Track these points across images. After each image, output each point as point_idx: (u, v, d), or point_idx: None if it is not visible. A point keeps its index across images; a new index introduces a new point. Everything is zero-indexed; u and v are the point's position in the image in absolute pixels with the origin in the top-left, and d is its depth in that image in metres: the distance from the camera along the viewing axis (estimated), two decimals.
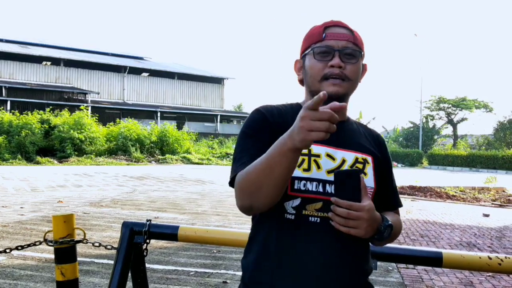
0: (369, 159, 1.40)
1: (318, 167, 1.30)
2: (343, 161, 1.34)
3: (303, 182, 1.28)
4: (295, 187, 1.28)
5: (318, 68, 1.36)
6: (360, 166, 1.36)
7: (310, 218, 1.28)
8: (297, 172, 1.27)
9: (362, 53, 1.40)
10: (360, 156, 1.38)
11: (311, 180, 1.29)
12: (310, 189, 1.28)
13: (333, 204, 1.22)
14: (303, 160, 1.29)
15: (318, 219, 1.27)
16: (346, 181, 1.21)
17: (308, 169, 1.29)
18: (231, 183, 1.28)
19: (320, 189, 1.29)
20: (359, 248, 1.32)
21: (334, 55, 1.34)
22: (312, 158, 1.31)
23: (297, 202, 1.28)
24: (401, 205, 1.53)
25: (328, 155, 1.33)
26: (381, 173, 1.43)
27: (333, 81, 1.34)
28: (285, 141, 1.09)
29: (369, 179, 1.36)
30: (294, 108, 1.40)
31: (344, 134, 1.39)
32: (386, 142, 1.55)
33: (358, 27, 1.42)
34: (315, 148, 1.31)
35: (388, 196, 1.48)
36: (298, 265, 1.27)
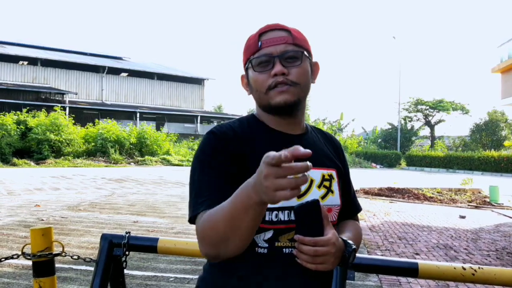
0: (334, 173, 1.30)
1: None
2: (311, 182, 1.24)
3: (274, 212, 1.18)
4: (267, 218, 1.17)
5: (261, 80, 1.25)
6: (327, 183, 1.27)
7: (284, 249, 1.19)
8: None
9: (305, 52, 1.28)
10: (326, 172, 1.28)
11: (282, 209, 1.19)
12: (282, 219, 1.18)
13: (297, 242, 1.12)
14: None
15: (293, 249, 1.16)
16: (308, 215, 1.11)
17: None
18: (191, 221, 1.17)
19: (292, 217, 1.18)
20: (329, 273, 1.27)
21: (275, 63, 1.23)
22: None
23: (269, 234, 1.19)
24: (360, 209, 1.47)
25: None
26: (343, 184, 1.35)
27: (280, 89, 1.23)
28: (250, 194, 0.96)
29: (335, 197, 1.28)
30: (251, 122, 1.32)
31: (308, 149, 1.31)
32: (341, 145, 1.48)
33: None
34: None
35: (348, 204, 1.40)
36: None
